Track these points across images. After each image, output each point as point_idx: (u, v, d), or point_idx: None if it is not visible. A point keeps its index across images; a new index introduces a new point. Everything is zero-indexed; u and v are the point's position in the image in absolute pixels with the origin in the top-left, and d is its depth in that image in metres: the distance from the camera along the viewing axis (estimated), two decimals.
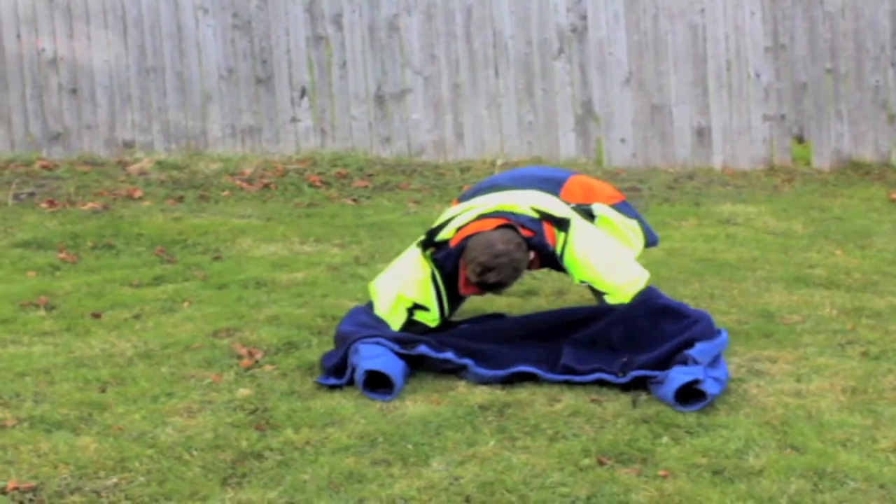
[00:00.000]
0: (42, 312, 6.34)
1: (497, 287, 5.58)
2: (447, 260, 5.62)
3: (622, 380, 5.14)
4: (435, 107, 10.50)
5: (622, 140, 10.63)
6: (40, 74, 10.29)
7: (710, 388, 4.94)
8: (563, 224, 5.66)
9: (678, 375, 4.98)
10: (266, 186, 9.52)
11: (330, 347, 5.62)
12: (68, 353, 5.65)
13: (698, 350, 5.15)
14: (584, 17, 10.57)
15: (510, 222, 5.60)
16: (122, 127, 10.35)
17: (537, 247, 5.62)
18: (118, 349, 5.70)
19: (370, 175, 9.90)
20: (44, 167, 9.81)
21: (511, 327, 5.71)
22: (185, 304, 6.45)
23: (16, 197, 9.04)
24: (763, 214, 8.88)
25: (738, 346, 5.73)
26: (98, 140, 10.31)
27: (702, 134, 10.68)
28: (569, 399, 5.03)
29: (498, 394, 5.10)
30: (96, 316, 6.24)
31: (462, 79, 10.52)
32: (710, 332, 5.33)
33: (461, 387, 5.18)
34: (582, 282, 5.66)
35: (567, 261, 5.64)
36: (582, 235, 5.68)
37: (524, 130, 10.57)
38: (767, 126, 10.73)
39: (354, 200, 9.24)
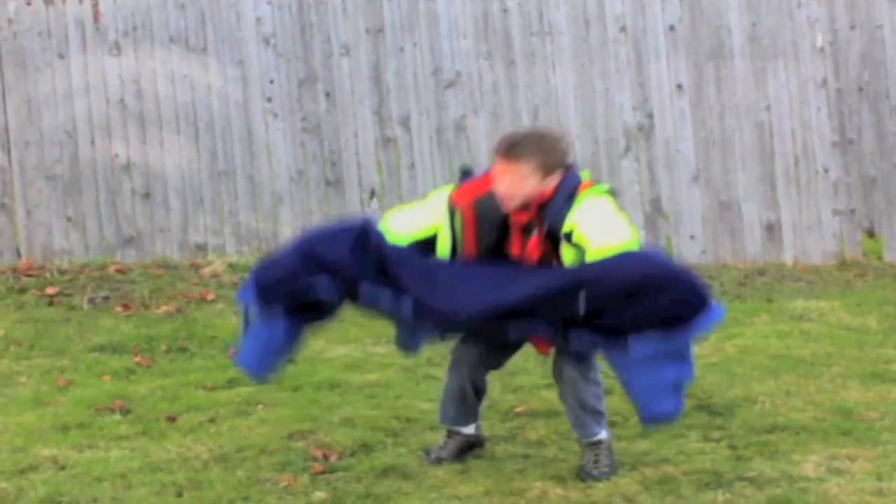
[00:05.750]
0: (118, 416, 6.39)
1: (515, 145, 5.25)
2: (490, 201, 5.26)
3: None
4: None
5: (692, 237, 10.61)
6: (114, 179, 10.44)
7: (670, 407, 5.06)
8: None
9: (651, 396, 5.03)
10: None
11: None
12: (144, 457, 5.69)
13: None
14: (650, 116, 10.62)
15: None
16: (194, 230, 10.46)
17: (568, 175, 5.32)
18: (194, 453, 5.73)
19: None
20: (118, 271, 9.92)
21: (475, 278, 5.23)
22: (259, 406, 6.48)
23: (91, 301, 9.15)
24: (836, 310, 8.80)
25: (816, 445, 5.68)
26: (171, 243, 10.43)
27: (771, 229, 10.65)
28: None
29: None
30: (171, 419, 6.28)
31: None
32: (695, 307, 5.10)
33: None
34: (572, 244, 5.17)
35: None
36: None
37: None
38: (837, 221, 10.69)
39: None
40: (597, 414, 5.42)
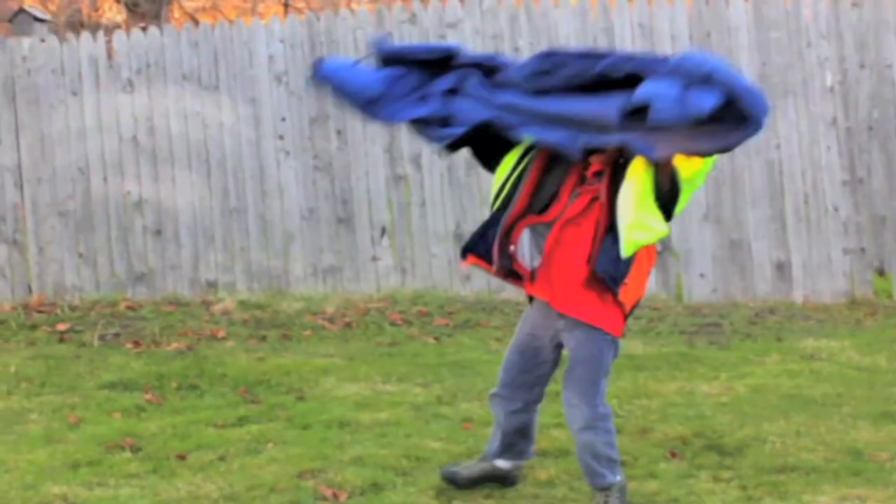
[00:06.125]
0: (128, 454, 6.39)
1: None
2: None
3: None
4: None
5: (701, 275, 10.62)
6: (126, 216, 10.50)
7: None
8: None
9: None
10: (348, 325, 9.59)
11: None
12: (154, 495, 5.69)
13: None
14: None
15: None
16: (205, 267, 10.51)
17: None
18: (204, 491, 5.73)
19: (451, 313, 9.94)
20: (129, 308, 9.96)
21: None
22: (270, 444, 6.48)
23: (101, 338, 9.17)
24: (847, 349, 8.79)
25: (826, 485, 5.67)
26: (182, 280, 10.47)
27: (782, 268, 10.65)
28: None
29: None
30: (181, 457, 6.28)
31: None
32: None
33: None
34: None
35: None
36: None
37: None
38: (848, 260, 10.69)
39: (436, 339, 9.27)
40: (610, 462, 5.38)
